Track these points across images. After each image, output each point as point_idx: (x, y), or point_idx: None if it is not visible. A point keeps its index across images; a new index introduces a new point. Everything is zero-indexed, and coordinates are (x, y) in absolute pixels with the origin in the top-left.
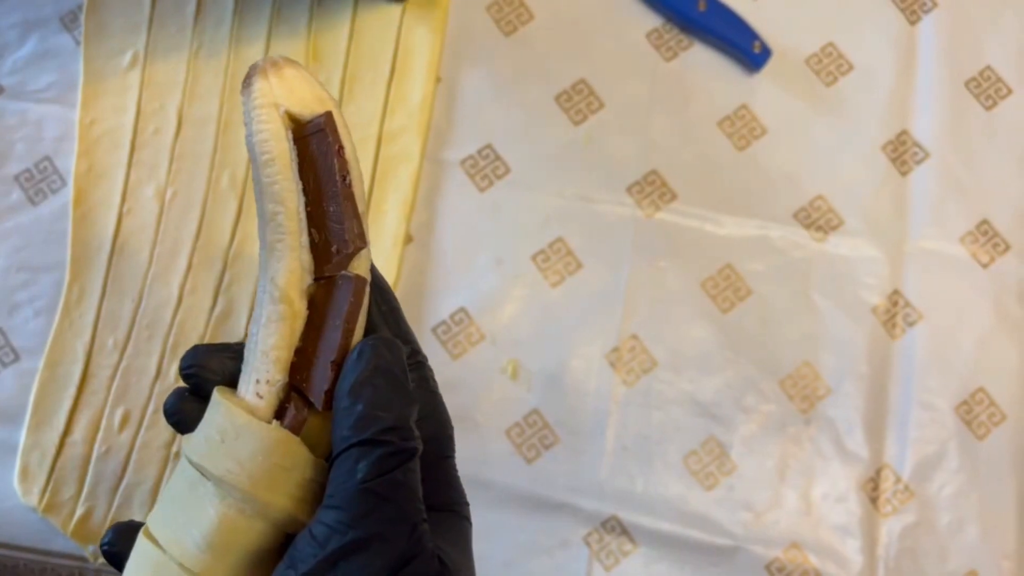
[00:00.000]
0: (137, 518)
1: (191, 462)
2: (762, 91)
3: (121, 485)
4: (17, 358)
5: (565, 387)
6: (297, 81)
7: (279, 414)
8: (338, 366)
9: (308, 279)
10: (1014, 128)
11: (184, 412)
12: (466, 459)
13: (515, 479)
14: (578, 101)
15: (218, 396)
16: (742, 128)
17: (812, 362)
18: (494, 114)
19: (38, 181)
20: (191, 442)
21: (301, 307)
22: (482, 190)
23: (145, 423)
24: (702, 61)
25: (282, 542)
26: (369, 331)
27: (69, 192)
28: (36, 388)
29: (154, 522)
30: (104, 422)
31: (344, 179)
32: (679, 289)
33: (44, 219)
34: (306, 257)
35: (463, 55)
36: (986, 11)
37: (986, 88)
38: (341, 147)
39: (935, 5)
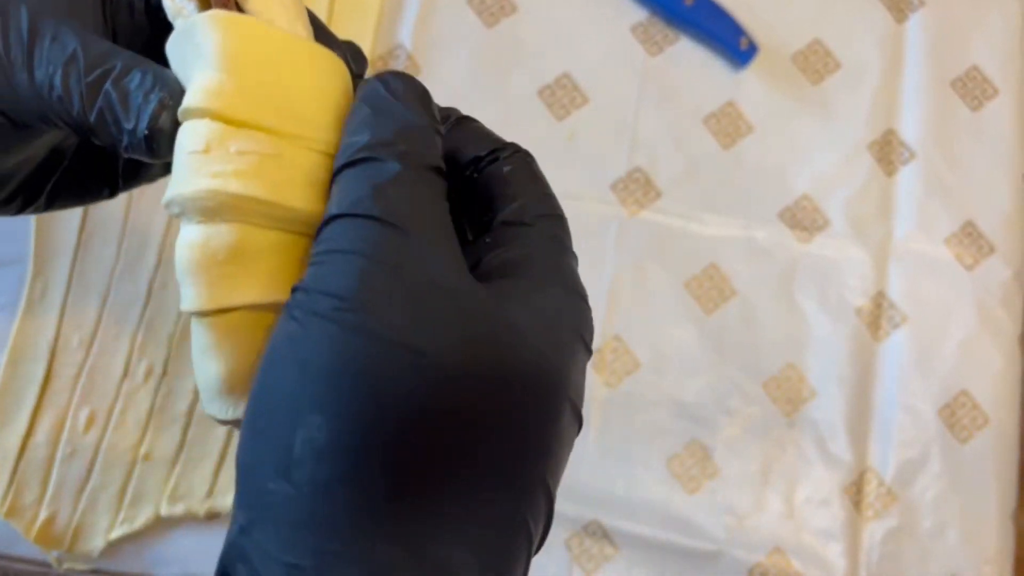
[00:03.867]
0: (103, 522)
1: (170, 207)
2: (748, 88)
3: (86, 488)
4: None
5: None
6: None
7: None
8: None
9: None
10: (999, 130)
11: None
12: None
13: None
14: (562, 96)
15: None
16: (728, 126)
17: (796, 364)
18: (475, 107)
19: None
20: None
21: None
22: None
23: (112, 424)
24: (688, 56)
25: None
26: None
27: None
28: None
29: None
30: (69, 423)
31: None
32: (663, 289)
33: None
34: None
35: (444, 47)
36: (972, 11)
37: (972, 89)
38: None
39: (922, 4)
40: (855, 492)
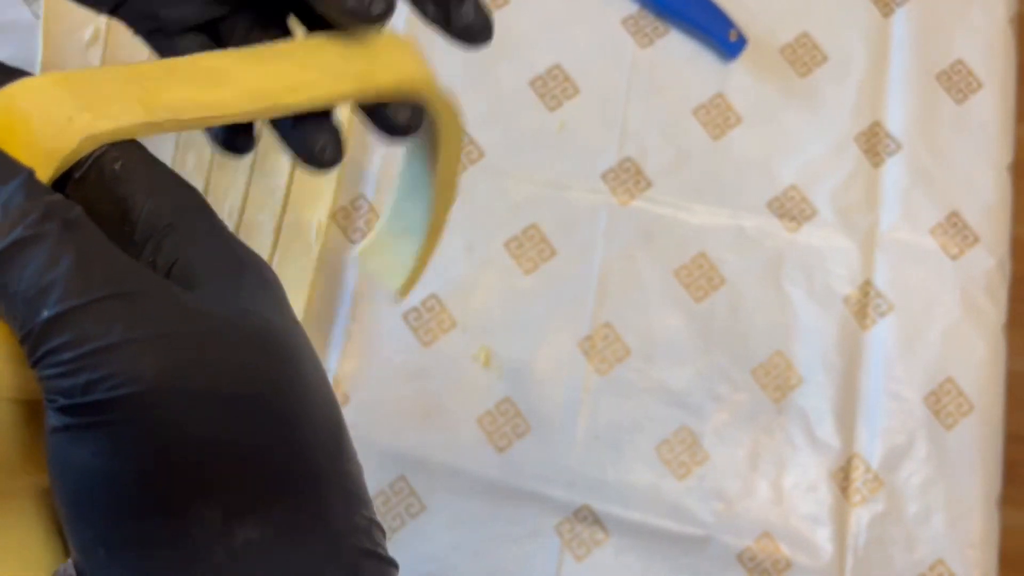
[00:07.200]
0: None
1: None
2: (737, 80)
3: None
4: None
5: (537, 375)
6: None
7: None
8: None
9: None
10: (983, 122)
11: None
12: (436, 447)
13: (486, 468)
14: (553, 87)
15: None
16: (717, 117)
17: (784, 352)
18: (467, 98)
19: None
20: None
21: None
22: None
23: None
24: (678, 48)
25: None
26: None
27: None
28: None
29: None
30: None
31: None
32: (652, 278)
33: None
34: None
35: (436, 37)
36: (957, 5)
37: (957, 82)
38: None
39: None
40: (842, 478)
